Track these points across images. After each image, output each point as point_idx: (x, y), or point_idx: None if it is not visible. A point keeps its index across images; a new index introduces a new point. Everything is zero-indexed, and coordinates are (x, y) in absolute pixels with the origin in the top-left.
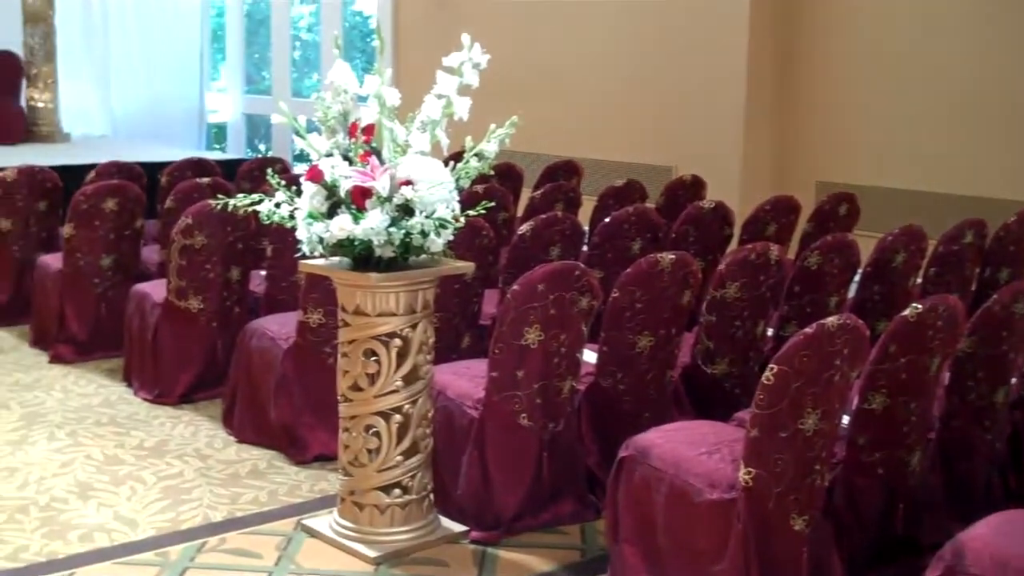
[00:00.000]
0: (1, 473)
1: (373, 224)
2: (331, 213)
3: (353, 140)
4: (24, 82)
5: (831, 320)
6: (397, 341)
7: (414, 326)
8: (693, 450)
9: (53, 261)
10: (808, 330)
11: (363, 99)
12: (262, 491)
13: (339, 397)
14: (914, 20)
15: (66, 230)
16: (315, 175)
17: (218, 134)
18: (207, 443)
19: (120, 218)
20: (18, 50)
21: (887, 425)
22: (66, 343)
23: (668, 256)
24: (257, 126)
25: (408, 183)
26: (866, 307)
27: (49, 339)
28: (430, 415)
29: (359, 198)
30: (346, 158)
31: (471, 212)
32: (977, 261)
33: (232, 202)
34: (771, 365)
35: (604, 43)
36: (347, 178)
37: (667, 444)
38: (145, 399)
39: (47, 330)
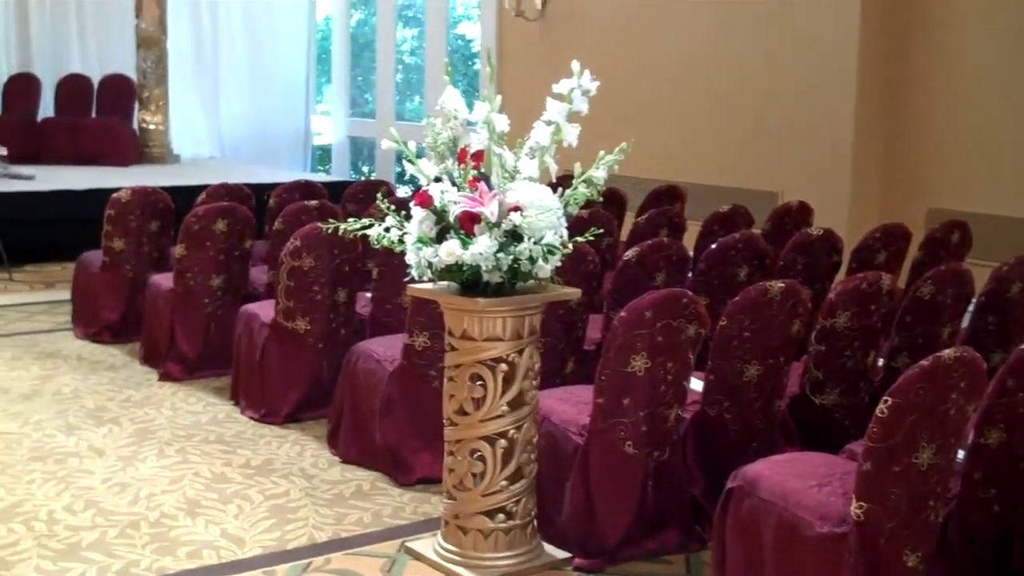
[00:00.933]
0: (112, 488)
1: (482, 250)
2: (440, 238)
3: (462, 166)
4: (136, 105)
5: (947, 353)
6: (503, 366)
7: (520, 351)
8: (803, 482)
9: (164, 281)
10: (924, 363)
11: (472, 124)
12: (366, 512)
13: (445, 421)
14: None
15: (177, 250)
16: (425, 200)
17: (322, 156)
18: (312, 463)
19: (230, 239)
20: (131, 74)
21: (1004, 460)
22: (176, 361)
23: (777, 284)
24: (360, 148)
25: (517, 209)
26: (980, 338)
27: (159, 357)
28: (535, 440)
29: (468, 223)
30: (454, 183)
31: (579, 238)
32: None
33: (343, 226)
34: (885, 398)
35: (707, 66)
36: (456, 203)
37: (776, 476)
38: (252, 418)
39: (157, 348)
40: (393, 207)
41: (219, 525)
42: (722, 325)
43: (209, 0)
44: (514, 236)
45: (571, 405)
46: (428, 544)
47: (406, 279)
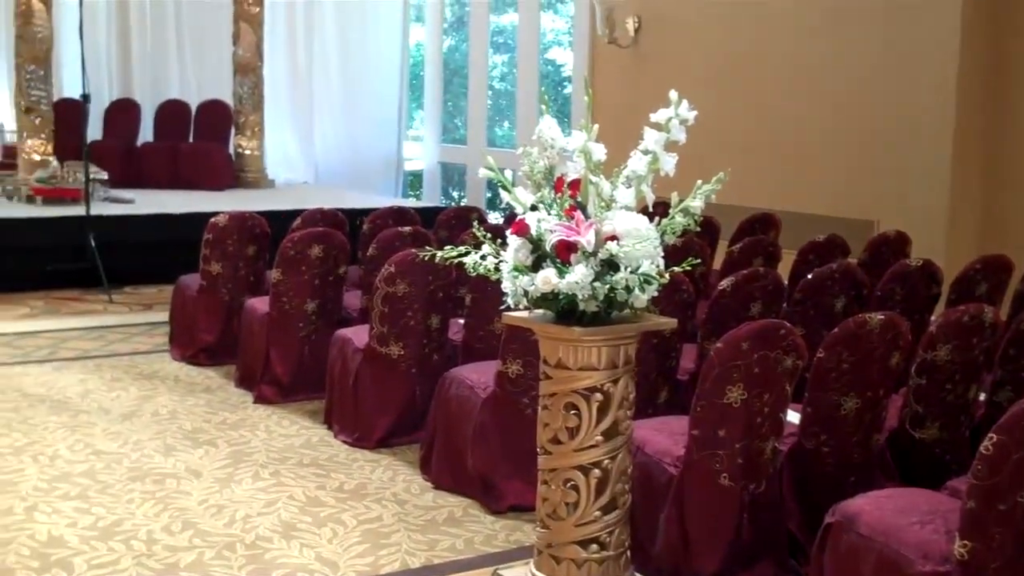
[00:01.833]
0: (209, 510)
1: (578, 278)
2: (536, 266)
3: (559, 195)
4: (233, 130)
5: None
6: (598, 396)
7: (615, 381)
8: (904, 519)
9: (260, 304)
10: None
11: (567, 152)
12: (459, 539)
13: (539, 449)
14: None
15: (273, 275)
16: (521, 229)
17: (413, 181)
18: (405, 488)
19: (325, 264)
20: (228, 100)
21: None
22: (270, 384)
23: (877, 316)
24: (451, 174)
25: (614, 238)
26: None
27: (254, 380)
28: (629, 471)
29: (564, 252)
30: (551, 212)
31: (676, 268)
32: None
33: (439, 254)
34: (991, 435)
35: (803, 94)
36: (552, 232)
37: (876, 511)
38: (345, 442)
39: (252, 371)
40: (489, 235)
41: (313, 549)
42: (820, 357)
43: (305, 28)
44: (611, 265)
45: (666, 436)
46: (520, 572)
47: (501, 307)
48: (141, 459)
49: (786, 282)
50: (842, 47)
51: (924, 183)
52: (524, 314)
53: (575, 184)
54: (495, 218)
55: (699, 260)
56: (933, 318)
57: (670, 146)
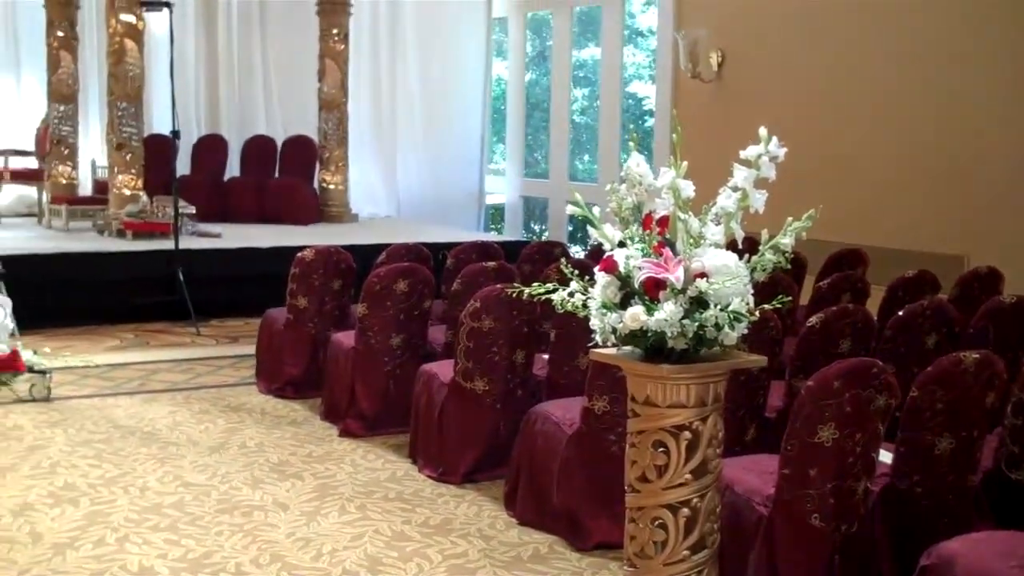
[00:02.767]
0: (297, 543)
1: (667, 316)
2: (624, 303)
3: (647, 231)
4: (317, 165)
5: None
6: (687, 434)
7: (704, 419)
8: (1003, 562)
9: (346, 339)
10: None
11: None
12: None
13: (626, 487)
14: None
15: (359, 309)
16: (609, 265)
17: (494, 215)
18: (490, 524)
19: (410, 299)
20: (313, 135)
21: None
22: (355, 418)
23: (972, 355)
24: (533, 208)
25: (703, 275)
26: None
27: (340, 413)
28: (718, 510)
29: (653, 289)
30: (639, 249)
31: (766, 305)
32: None
33: (527, 290)
34: None
35: (890, 129)
36: (641, 269)
37: (973, 555)
38: (429, 476)
39: (338, 405)
40: (577, 271)
41: None
42: (913, 396)
43: (389, 64)
44: (700, 302)
45: (755, 475)
46: None
47: (589, 344)
48: (229, 491)
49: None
50: (931, 78)
51: (1016, 218)
52: (612, 351)
53: (663, 221)
54: (576, 252)
55: (789, 297)
56: None
57: (760, 183)
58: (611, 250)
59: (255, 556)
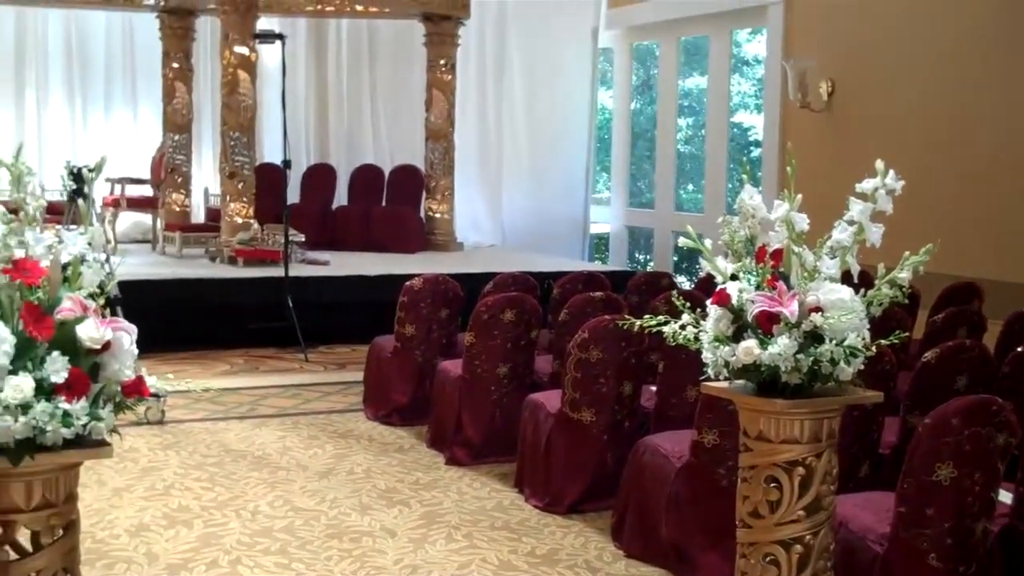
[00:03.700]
0: (404, 570)
1: (781, 350)
2: (737, 337)
3: (760, 265)
4: (424, 194)
5: None
6: (800, 469)
7: (818, 455)
8: None
9: (453, 367)
10: None
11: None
12: None
13: (738, 522)
14: None
15: (467, 338)
16: (722, 299)
17: (598, 244)
18: (597, 555)
19: (517, 328)
20: (420, 164)
21: None
22: (462, 446)
23: None
24: (637, 237)
25: (818, 309)
26: None
27: (446, 441)
28: (831, 547)
29: (766, 323)
30: (752, 282)
31: (883, 341)
32: None
33: (639, 322)
34: None
35: (1006, 159)
36: (754, 303)
37: None
38: (536, 506)
39: (445, 432)
40: (688, 304)
41: None
42: None
43: (495, 94)
44: (815, 337)
45: (870, 512)
46: None
47: (701, 377)
48: (338, 516)
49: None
50: None
51: None
52: (724, 384)
53: (777, 254)
54: (681, 282)
55: (907, 333)
56: None
57: (876, 216)
58: (723, 283)
59: None
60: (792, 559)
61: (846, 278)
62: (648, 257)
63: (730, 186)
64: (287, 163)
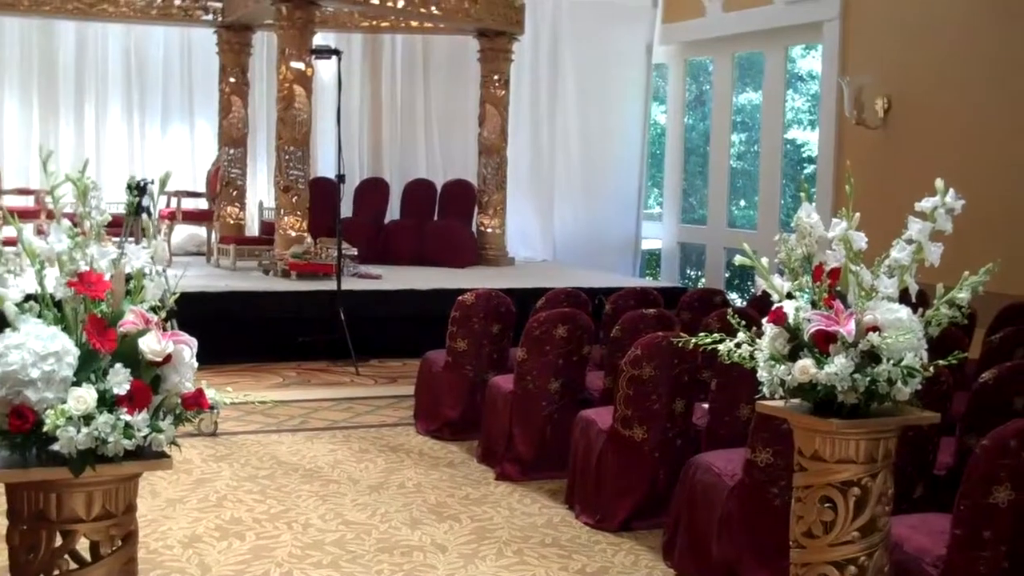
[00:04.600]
0: None
1: (837, 370)
2: (793, 356)
3: (818, 283)
4: (476, 209)
5: None
6: (855, 490)
7: (874, 476)
8: None
9: (504, 382)
10: None
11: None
12: None
13: (791, 542)
14: None
15: (519, 354)
16: (778, 317)
17: (650, 260)
18: (647, 573)
19: (569, 344)
20: (472, 179)
21: None
22: (512, 462)
23: None
24: (689, 253)
25: (875, 329)
26: None
27: (497, 456)
28: (886, 569)
29: (823, 343)
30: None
31: (941, 361)
32: None
33: (693, 340)
34: None
35: None
36: (811, 321)
37: None
38: (586, 523)
39: (495, 448)
40: (742, 321)
41: None
42: None
43: (548, 109)
44: (872, 357)
45: (925, 534)
46: None
47: (756, 396)
48: (389, 530)
49: None
50: None
51: None
52: (779, 403)
53: (835, 273)
54: (734, 299)
55: (965, 354)
56: None
57: (935, 235)
58: (779, 301)
59: None
60: None
61: (904, 297)
62: (700, 274)
63: (783, 203)
64: (341, 177)
